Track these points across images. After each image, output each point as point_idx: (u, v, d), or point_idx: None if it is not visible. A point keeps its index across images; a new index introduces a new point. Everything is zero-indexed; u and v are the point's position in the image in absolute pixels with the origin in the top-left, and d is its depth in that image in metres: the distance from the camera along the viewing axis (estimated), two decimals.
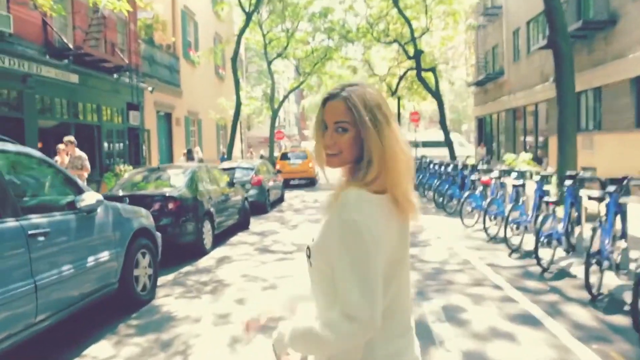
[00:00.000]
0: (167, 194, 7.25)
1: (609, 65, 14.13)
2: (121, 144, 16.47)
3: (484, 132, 27.24)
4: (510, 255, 7.13)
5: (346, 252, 1.18)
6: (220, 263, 7.22)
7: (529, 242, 7.65)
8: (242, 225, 10.28)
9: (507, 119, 23.25)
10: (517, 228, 7.61)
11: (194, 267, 6.98)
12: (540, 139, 19.71)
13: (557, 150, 9.68)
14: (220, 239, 8.87)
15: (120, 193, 7.31)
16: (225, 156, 27.25)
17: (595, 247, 5.16)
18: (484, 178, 9.81)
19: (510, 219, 7.51)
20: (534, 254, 6.42)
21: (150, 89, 17.35)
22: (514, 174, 8.66)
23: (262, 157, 22.49)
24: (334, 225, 1.22)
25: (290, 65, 36.27)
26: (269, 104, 28.10)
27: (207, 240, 7.93)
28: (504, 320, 4.46)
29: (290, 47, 26.36)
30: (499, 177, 9.13)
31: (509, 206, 7.89)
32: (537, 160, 16.21)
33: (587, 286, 4.97)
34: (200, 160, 18.42)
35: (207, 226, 7.95)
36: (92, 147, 14.24)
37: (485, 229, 8.30)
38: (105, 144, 15.37)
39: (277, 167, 21.36)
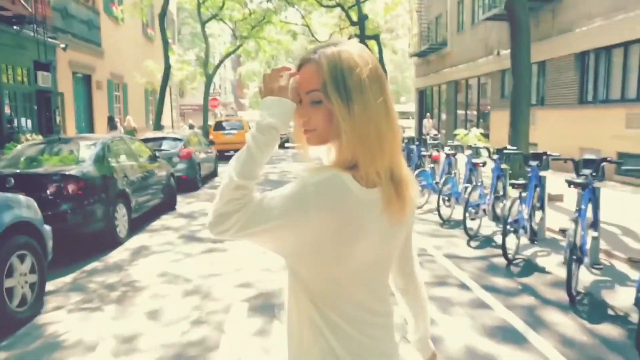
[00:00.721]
0: (67, 172, 5.86)
1: (555, 39, 13.81)
2: (28, 110, 14.34)
3: (425, 105, 26.94)
4: (469, 243, 6.45)
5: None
6: (135, 256, 6.01)
7: (486, 226, 7.08)
8: (167, 205, 9.01)
9: (448, 92, 22.96)
10: (476, 212, 6.95)
11: (101, 263, 5.73)
12: (477, 113, 19.52)
13: (510, 125, 9.14)
14: (138, 224, 7.60)
15: (5, 171, 5.84)
16: (192, 125, 25.44)
17: (578, 241, 4.50)
18: (435, 154, 9.12)
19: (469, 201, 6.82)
20: (493, 242, 6.48)
21: (62, 45, 15.16)
22: (468, 151, 8.03)
23: (191, 126, 20.72)
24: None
25: (226, 29, 34.17)
26: (202, 69, 26.18)
27: (121, 227, 6.66)
28: (481, 336, 3.69)
29: (226, 9, 24.46)
30: (454, 154, 8.48)
31: (467, 187, 7.22)
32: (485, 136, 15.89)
33: (568, 286, 4.31)
34: (133, 131, 16.66)
35: (121, 210, 6.67)
36: None
37: (439, 211, 7.61)
38: (7, 109, 13.25)
39: (211, 137, 19.91)
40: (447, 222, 7.49)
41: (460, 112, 21.58)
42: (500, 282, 4.92)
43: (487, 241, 6.51)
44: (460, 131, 9.44)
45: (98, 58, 19.18)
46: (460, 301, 4.38)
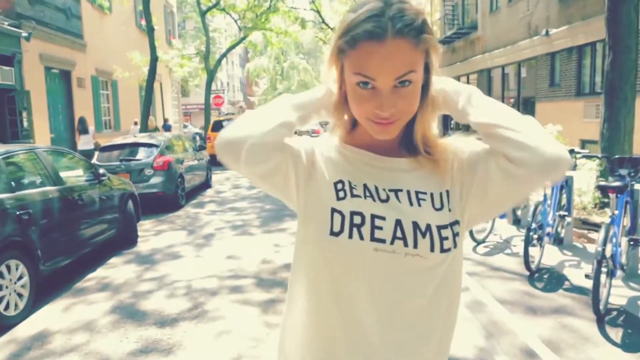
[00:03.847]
0: None
1: None
2: None
3: None
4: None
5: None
6: None
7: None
8: (122, 239, 6.50)
9: (479, 83, 20.13)
10: (540, 239, 4.75)
11: None
12: (516, 106, 16.68)
13: (604, 120, 6.41)
14: (62, 279, 5.06)
15: None
16: (169, 123, 22.92)
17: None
18: None
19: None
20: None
21: (25, 34, 12.76)
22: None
23: (136, 123, 17.81)
24: None
25: (232, 23, 31.74)
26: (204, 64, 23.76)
27: (12, 299, 4.12)
28: None
29: None
30: None
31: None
32: None
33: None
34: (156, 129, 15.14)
35: (12, 273, 4.13)
36: None
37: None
38: None
39: (209, 140, 17.45)
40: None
41: None
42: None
43: (557, 278, 4.63)
44: None
45: (79, 52, 16.78)
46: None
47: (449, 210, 0.94)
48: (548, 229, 4.78)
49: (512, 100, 17.55)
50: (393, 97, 0.85)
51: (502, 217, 6.13)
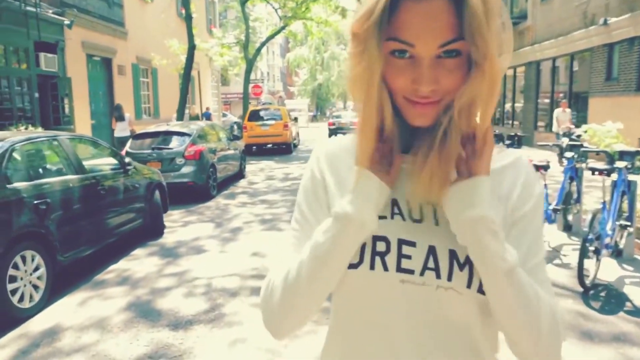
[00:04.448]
0: None
1: None
2: (25, 97, 12.19)
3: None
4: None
5: None
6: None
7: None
8: (149, 230, 6.36)
9: (527, 76, 19.15)
10: (597, 251, 4.16)
11: None
12: (567, 101, 15.69)
13: None
14: (76, 275, 4.94)
15: None
16: (209, 111, 23.11)
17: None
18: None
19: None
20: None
21: (67, 22, 12.91)
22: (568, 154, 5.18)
23: (189, 116, 18.16)
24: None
25: (273, 13, 31.58)
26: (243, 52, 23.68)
27: (27, 293, 3.99)
28: None
29: None
30: (582, 162, 5.43)
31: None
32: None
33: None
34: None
35: (28, 265, 4.00)
36: None
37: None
38: None
39: (245, 129, 17.35)
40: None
41: (544, 100, 17.77)
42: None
43: (617, 297, 4.12)
44: (592, 127, 6.14)
45: (120, 39, 16.97)
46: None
47: None
48: (607, 240, 4.24)
49: (561, 95, 16.58)
50: (436, 70, 0.68)
51: (550, 222, 5.59)
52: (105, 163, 5.64)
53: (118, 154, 6.00)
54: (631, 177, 4.73)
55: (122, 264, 5.25)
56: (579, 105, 14.98)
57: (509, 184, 0.78)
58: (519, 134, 7.63)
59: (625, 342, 3.24)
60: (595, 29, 13.32)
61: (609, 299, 4.03)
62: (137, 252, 5.72)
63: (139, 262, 5.31)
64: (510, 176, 0.78)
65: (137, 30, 18.00)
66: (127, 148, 8.90)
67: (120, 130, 12.14)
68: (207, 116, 22.17)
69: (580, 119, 13.67)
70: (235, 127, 23.45)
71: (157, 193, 6.55)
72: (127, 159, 5.90)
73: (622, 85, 12.39)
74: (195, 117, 17.10)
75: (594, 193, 6.74)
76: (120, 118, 12.23)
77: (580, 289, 4.10)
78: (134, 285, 4.60)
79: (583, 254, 3.97)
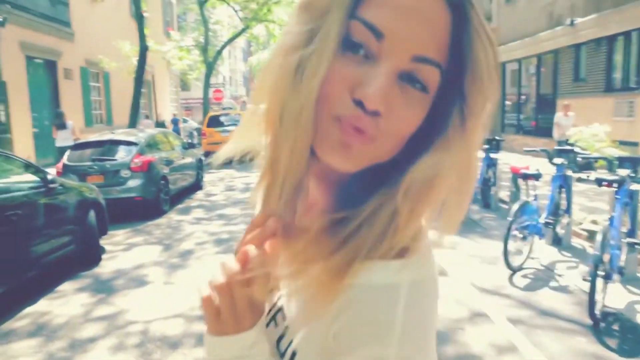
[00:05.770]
0: None
1: None
2: None
3: None
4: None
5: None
6: None
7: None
8: (82, 258, 5.42)
9: None
10: (606, 276, 3.45)
11: None
12: (535, 103, 15.46)
13: None
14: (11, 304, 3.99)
15: None
16: (177, 117, 22.02)
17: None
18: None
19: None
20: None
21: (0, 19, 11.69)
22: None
23: (147, 117, 16.88)
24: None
25: (234, 15, 30.68)
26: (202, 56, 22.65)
27: None
28: None
29: None
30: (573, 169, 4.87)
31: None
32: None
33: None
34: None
35: None
36: None
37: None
38: None
39: (204, 135, 16.41)
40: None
41: (511, 102, 17.56)
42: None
43: (633, 331, 3.46)
44: (579, 130, 5.64)
45: (66, 41, 15.74)
46: None
47: None
48: (619, 261, 3.64)
49: (524, 97, 16.41)
50: (392, 91, 0.47)
51: (540, 235, 4.99)
52: (21, 181, 4.69)
53: (40, 170, 5.04)
54: (634, 187, 4.16)
55: (40, 305, 4.31)
56: (546, 107, 14.75)
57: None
58: (497, 137, 7.08)
59: None
60: (562, 30, 13.10)
61: (625, 334, 3.42)
62: (65, 286, 4.79)
63: (64, 302, 4.39)
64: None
65: (86, 31, 16.77)
66: (64, 160, 7.89)
67: (63, 139, 11.00)
68: (175, 122, 21.18)
69: (548, 121, 13.39)
70: (195, 133, 22.42)
71: (91, 213, 5.61)
72: (50, 176, 4.95)
73: (591, 85, 12.17)
74: (161, 124, 16.08)
75: (580, 201, 6.23)
76: (62, 126, 11.09)
77: (588, 321, 3.48)
78: (50, 336, 3.69)
79: (594, 282, 3.34)
